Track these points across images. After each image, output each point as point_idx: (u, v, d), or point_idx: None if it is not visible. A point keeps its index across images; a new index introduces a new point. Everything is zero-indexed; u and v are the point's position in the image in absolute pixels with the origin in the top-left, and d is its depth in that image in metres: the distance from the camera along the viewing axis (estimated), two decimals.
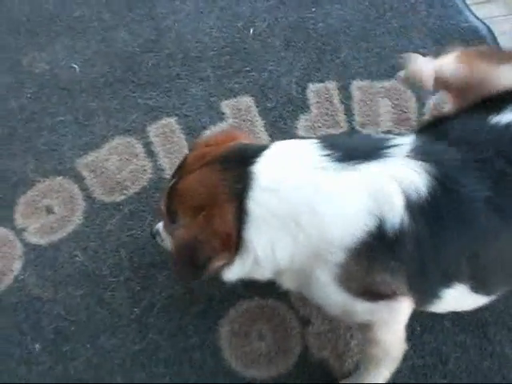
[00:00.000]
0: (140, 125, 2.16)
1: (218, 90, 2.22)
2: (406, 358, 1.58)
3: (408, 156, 1.29)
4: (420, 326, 1.76)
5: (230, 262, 1.38)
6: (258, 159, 1.33)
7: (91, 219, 2.00)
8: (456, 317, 1.76)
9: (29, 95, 2.27)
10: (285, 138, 1.92)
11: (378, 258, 1.30)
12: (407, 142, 1.33)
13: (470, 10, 2.44)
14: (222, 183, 1.33)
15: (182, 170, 1.45)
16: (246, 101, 2.18)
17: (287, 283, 1.48)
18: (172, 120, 2.16)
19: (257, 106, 2.16)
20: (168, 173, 2.05)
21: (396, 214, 1.26)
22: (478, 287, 1.41)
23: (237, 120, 2.14)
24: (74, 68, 2.31)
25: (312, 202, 1.28)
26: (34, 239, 1.98)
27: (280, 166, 1.34)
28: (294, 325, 1.79)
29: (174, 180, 1.45)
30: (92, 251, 1.94)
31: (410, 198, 1.26)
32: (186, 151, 2.09)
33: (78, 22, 2.44)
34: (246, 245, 1.34)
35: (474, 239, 1.32)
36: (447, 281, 1.38)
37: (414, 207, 1.26)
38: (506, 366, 1.71)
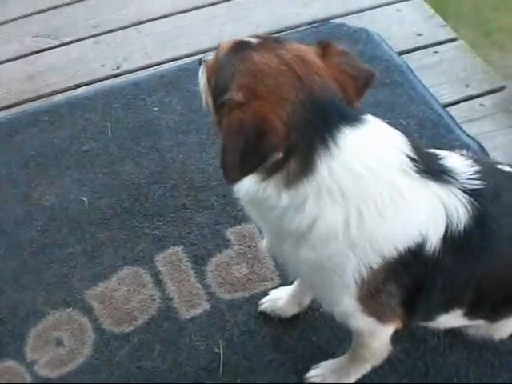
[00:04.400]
0: (148, 254, 2.22)
1: (222, 218, 2.30)
2: None
3: (462, 189, 1.36)
4: None
5: (267, 176, 1.29)
6: (349, 128, 1.25)
7: (100, 351, 2.01)
8: None
9: (38, 228, 2.34)
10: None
11: (400, 272, 1.36)
12: (468, 172, 1.40)
13: (461, 129, 2.55)
14: (303, 110, 1.23)
15: (273, 43, 1.32)
16: (250, 228, 2.25)
17: (291, 250, 1.40)
18: (179, 249, 2.23)
19: (260, 233, 2.22)
20: (176, 301, 2.08)
21: (435, 238, 1.33)
22: (469, 312, 1.54)
23: (242, 246, 2.21)
24: (83, 200, 2.39)
25: (383, 201, 1.28)
26: (43, 372, 1.98)
27: (367, 151, 1.28)
28: None
29: (250, 47, 1.31)
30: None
31: (449, 227, 1.33)
32: (193, 279, 2.14)
33: (86, 156, 2.55)
34: (297, 188, 1.27)
35: (485, 270, 1.43)
36: (449, 307, 1.52)
37: (448, 236, 1.34)
38: None
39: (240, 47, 1.32)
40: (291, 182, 1.27)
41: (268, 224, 1.46)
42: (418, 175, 1.31)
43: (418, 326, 1.91)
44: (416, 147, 1.34)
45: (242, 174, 1.25)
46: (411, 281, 1.39)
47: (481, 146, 2.47)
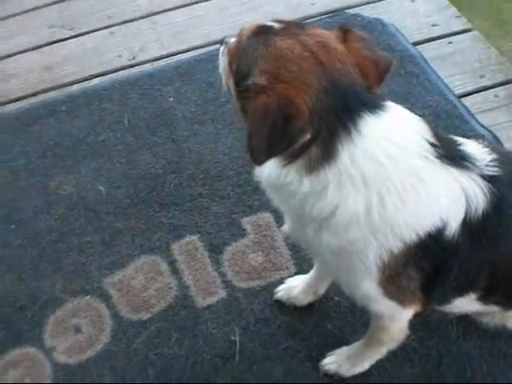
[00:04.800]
0: (164, 243, 2.25)
1: (238, 208, 2.32)
2: None
3: (480, 174, 1.37)
4: None
5: (290, 162, 1.30)
6: (370, 115, 1.27)
7: (118, 338, 2.04)
8: None
9: (57, 217, 2.37)
10: (306, 253, 2.05)
11: (420, 256, 1.38)
12: (486, 159, 1.41)
13: (476, 119, 2.55)
14: (326, 96, 1.24)
15: (296, 29, 1.33)
16: (266, 217, 2.28)
17: (313, 235, 1.42)
18: (195, 238, 2.25)
19: (276, 222, 2.24)
20: (193, 290, 2.11)
21: (455, 223, 1.35)
22: (483, 297, 1.57)
23: (258, 235, 2.23)
24: (100, 190, 2.42)
25: (404, 186, 1.30)
26: (62, 359, 2.02)
27: (389, 137, 1.29)
28: None
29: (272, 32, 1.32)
30: (120, 370, 1.97)
31: (468, 212, 1.36)
32: (210, 268, 2.17)
33: (103, 146, 2.58)
34: (319, 174, 1.29)
35: (500, 255, 1.45)
36: (464, 291, 1.54)
37: (467, 221, 1.36)
38: None
39: (262, 31, 1.33)
40: (313, 168, 1.28)
41: (290, 209, 1.48)
42: (438, 160, 1.33)
43: (432, 314, 1.93)
44: (435, 133, 1.36)
45: (269, 156, 1.27)
46: (430, 265, 1.41)
47: (495, 137, 2.47)
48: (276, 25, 1.34)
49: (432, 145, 1.33)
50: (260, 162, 1.30)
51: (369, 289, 1.47)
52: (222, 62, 1.47)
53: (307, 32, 1.31)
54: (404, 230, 1.34)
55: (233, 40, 1.45)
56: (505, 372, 1.89)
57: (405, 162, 1.30)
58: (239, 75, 1.34)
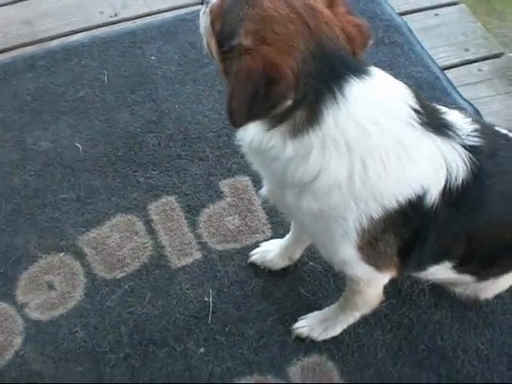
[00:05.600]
0: (141, 203, 2.23)
1: (216, 170, 2.31)
2: None
3: (462, 144, 1.38)
4: None
5: (273, 126, 1.29)
6: (356, 80, 1.26)
7: (92, 295, 2.03)
8: None
9: (32, 172, 2.34)
10: (283, 218, 2.05)
11: (399, 222, 1.40)
12: (468, 129, 1.42)
13: (458, 92, 2.56)
14: (312, 60, 1.23)
15: None
16: (244, 180, 2.27)
17: (293, 199, 1.42)
18: (172, 198, 2.24)
19: (254, 186, 2.24)
20: (168, 250, 2.11)
21: (435, 191, 1.36)
22: (458, 265, 1.59)
23: (235, 198, 2.23)
24: (78, 147, 2.39)
25: (387, 153, 1.30)
26: (34, 315, 2.01)
27: (374, 103, 1.30)
28: None
29: None
30: (92, 327, 1.97)
31: (448, 181, 1.37)
32: (186, 229, 2.16)
33: (82, 103, 2.54)
34: (303, 138, 1.28)
35: (477, 225, 1.47)
36: (440, 259, 1.57)
37: (446, 190, 1.37)
38: None
39: None
40: (297, 132, 1.28)
41: (270, 173, 1.47)
42: (421, 127, 1.33)
43: (404, 282, 1.95)
44: (420, 100, 1.36)
45: (248, 120, 1.26)
46: (408, 231, 1.43)
47: (476, 111, 2.48)
48: None
49: (416, 111, 1.33)
50: (239, 125, 1.28)
51: (347, 253, 1.48)
52: (204, 21, 1.43)
53: None
54: (385, 196, 1.34)
55: None
56: (474, 342, 1.92)
57: (389, 128, 1.30)
58: (222, 35, 1.31)
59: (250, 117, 1.25)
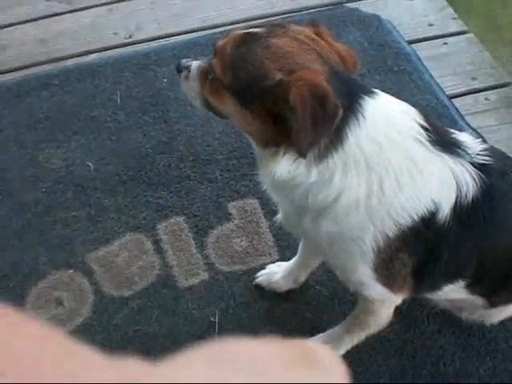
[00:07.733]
0: (150, 222, 2.26)
1: (225, 192, 2.33)
2: None
3: (471, 162, 1.40)
4: None
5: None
6: (369, 99, 1.30)
7: (99, 313, 2.06)
8: None
9: (44, 189, 2.37)
10: (291, 240, 2.08)
11: (413, 240, 1.41)
12: (477, 148, 1.44)
13: (465, 120, 2.58)
14: (333, 82, 1.26)
15: (279, 28, 1.33)
16: (252, 203, 2.30)
17: (311, 224, 1.44)
18: (181, 219, 2.27)
19: (262, 208, 2.27)
20: (176, 270, 2.13)
21: (446, 208, 1.38)
22: (470, 285, 1.59)
23: (243, 221, 2.25)
24: (89, 166, 2.43)
25: (401, 170, 1.33)
26: None
27: (387, 120, 1.33)
28: None
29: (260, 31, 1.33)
30: (99, 344, 1.97)
31: (458, 198, 1.38)
32: (194, 249, 2.19)
33: (94, 122, 2.58)
34: (327, 162, 1.30)
35: (488, 244, 1.49)
36: (454, 277, 1.57)
37: (457, 206, 1.39)
38: None
39: (250, 38, 1.32)
40: (322, 156, 1.30)
41: (291, 201, 1.47)
42: (430, 145, 1.36)
43: (409, 309, 1.97)
44: (428, 119, 1.39)
45: (317, 143, 1.27)
46: (422, 249, 1.44)
47: (483, 139, 2.50)
48: (259, 29, 1.34)
49: (425, 129, 1.36)
50: (307, 153, 1.28)
51: (364, 274, 1.50)
52: (192, 84, 1.47)
53: (291, 29, 1.34)
54: (399, 213, 1.36)
55: (196, 62, 1.46)
56: (477, 369, 1.93)
57: (401, 144, 1.33)
58: (239, 86, 1.31)
59: (316, 140, 1.26)
